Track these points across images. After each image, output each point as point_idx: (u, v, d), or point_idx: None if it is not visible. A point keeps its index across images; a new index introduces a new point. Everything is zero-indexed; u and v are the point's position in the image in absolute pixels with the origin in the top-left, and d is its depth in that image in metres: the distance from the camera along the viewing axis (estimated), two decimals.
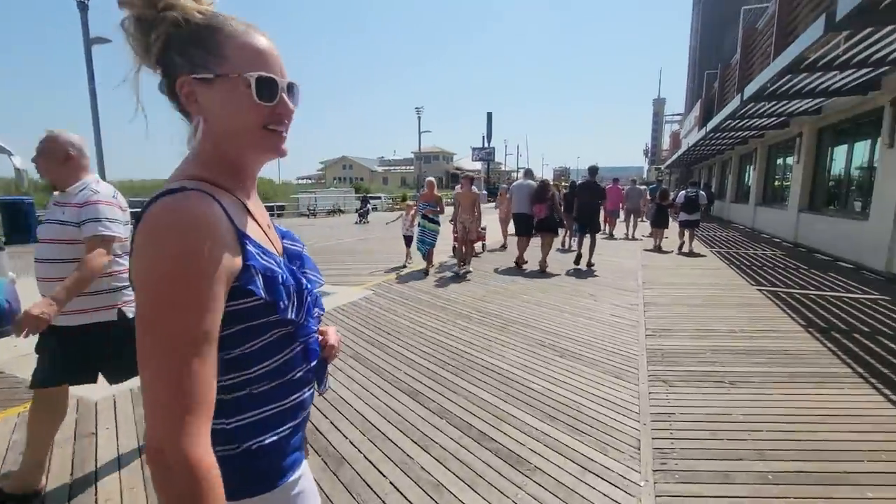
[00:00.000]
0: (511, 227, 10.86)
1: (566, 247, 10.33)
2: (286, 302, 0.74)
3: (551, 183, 8.40)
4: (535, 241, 7.91)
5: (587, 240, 7.92)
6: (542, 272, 7.40)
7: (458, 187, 7.47)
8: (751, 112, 10.09)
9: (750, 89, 8.03)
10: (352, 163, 70.68)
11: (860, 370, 3.51)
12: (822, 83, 7.57)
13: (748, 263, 8.34)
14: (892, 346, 4.04)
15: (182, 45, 0.69)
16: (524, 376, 3.41)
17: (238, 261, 0.68)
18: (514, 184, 8.05)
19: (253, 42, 0.71)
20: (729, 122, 11.22)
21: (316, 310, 0.87)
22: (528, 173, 8.38)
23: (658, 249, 10.14)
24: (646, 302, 5.51)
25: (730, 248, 10.61)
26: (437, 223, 7.39)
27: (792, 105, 9.40)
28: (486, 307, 5.31)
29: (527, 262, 7.82)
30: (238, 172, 0.76)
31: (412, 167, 68.13)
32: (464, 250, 7.38)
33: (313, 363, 0.85)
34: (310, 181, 69.79)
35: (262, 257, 0.72)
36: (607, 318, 4.83)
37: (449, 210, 8.41)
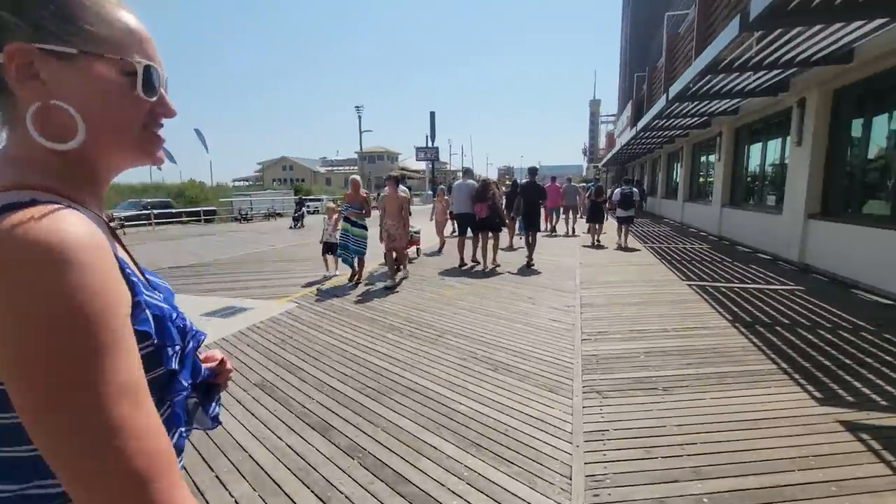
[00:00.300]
0: (448, 229, 10.81)
1: (511, 245, 10.30)
2: (175, 348, 0.61)
3: (493, 182, 8.39)
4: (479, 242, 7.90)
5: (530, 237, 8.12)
6: (487, 272, 7.34)
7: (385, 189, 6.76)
8: (676, 112, 10.51)
9: (674, 89, 8.28)
10: (292, 163, 68.00)
11: (784, 366, 3.51)
12: (738, 84, 7.94)
13: (679, 258, 8.61)
14: (810, 337, 4.15)
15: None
16: (451, 397, 3.09)
17: (128, 295, 0.53)
18: (455, 184, 8.04)
19: (127, 18, 0.58)
20: (657, 121, 11.66)
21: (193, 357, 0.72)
22: (468, 173, 8.27)
23: (595, 245, 10.36)
24: (583, 303, 5.41)
25: (661, 242, 11.00)
26: (364, 227, 6.65)
27: (712, 105, 9.86)
28: (420, 317, 4.96)
29: (478, 263, 7.75)
30: (94, 180, 0.61)
31: (356, 167, 66.77)
32: (393, 259, 6.64)
33: (182, 431, 0.67)
34: (247, 183, 66.39)
35: (146, 290, 0.59)
36: (544, 323, 4.65)
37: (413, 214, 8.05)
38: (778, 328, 4.41)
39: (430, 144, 35.73)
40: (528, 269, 7.66)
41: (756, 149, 10.49)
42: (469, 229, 7.83)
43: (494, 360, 3.71)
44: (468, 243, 8.06)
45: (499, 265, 7.78)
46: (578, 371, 3.49)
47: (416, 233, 8.35)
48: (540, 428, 2.69)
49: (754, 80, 7.64)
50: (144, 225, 18.41)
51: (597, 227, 10.66)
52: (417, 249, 8.96)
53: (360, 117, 34.49)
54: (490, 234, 7.73)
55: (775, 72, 6.93)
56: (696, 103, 9.32)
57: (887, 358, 3.62)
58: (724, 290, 6.02)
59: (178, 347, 0.62)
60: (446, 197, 10.32)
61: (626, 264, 8.10)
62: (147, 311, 0.56)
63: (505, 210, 8.24)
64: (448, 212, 10.26)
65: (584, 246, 10.48)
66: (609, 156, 27.60)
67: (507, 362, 3.67)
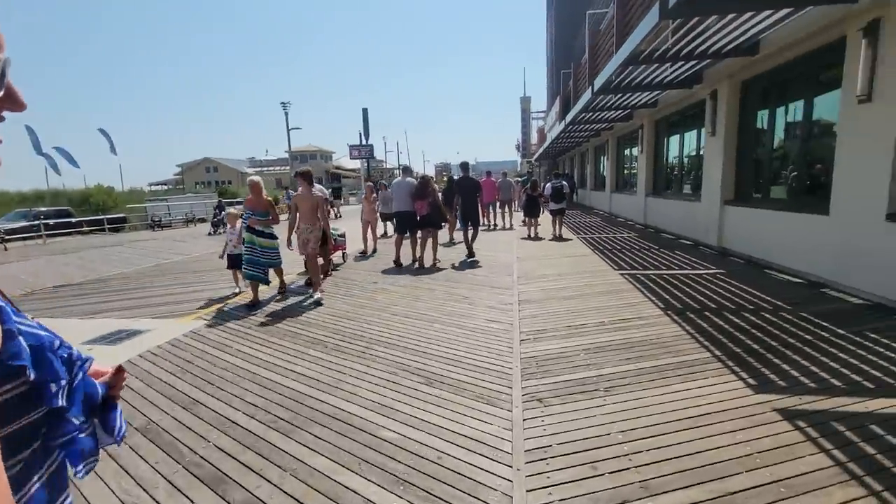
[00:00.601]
0: (380, 229, 10.34)
1: (452, 240, 10.17)
2: (61, 383, 0.55)
3: (432, 179, 8.26)
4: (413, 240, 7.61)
5: (471, 232, 8.18)
6: (422, 271, 7.16)
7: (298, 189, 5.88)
8: (601, 105, 10.76)
9: (598, 82, 8.40)
10: (216, 164, 63.51)
11: (718, 353, 3.49)
12: (657, 77, 8.21)
13: (609, 247, 8.80)
14: (737, 321, 4.22)
15: None
16: (377, 421, 2.70)
17: None
18: (394, 182, 7.75)
19: None
20: (583, 114, 11.91)
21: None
22: (407, 170, 8.08)
23: (533, 237, 10.44)
24: (520, 299, 5.22)
25: (593, 233, 11.28)
26: (272, 236, 5.62)
27: (634, 98, 10.19)
28: (347, 327, 4.50)
29: (416, 262, 7.50)
30: None
31: (288, 167, 63.84)
32: (311, 268, 5.80)
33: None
34: (166, 187, 61.23)
35: (17, 316, 0.52)
36: (481, 325, 4.38)
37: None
38: (707, 314, 4.46)
39: (363, 142, 34.64)
40: (467, 265, 7.56)
41: (675, 140, 11.03)
42: (409, 228, 7.60)
43: (428, 372, 3.36)
44: (406, 243, 7.75)
45: (440, 261, 7.65)
46: (518, 377, 3.23)
47: (340, 236, 7.82)
48: (477, 451, 2.38)
49: (671, 73, 7.92)
50: (34, 238, 16.07)
51: (533, 220, 10.78)
52: (344, 254, 8.35)
53: (286, 113, 32.69)
54: (430, 232, 7.55)
55: (690, 63, 7.18)
56: (619, 96, 9.56)
57: (807, 337, 3.73)
58: (654, 277, 6.12)
59: (63, 382, 0.56)
60: (374, 195, 9.88)
61: (560, 256, 8.12)
62: (20, 341, 0.49)
63: (445, 206, 8.01)
64: (378, 212, 9.93)
65: (522, 238, 10.55)
66: (540, 150, 28.31)
67: (441, 373, 3.34)
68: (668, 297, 5.13)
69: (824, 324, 4.00)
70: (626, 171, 15.85)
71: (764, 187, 7.15)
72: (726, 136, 7.62)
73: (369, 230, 9.63)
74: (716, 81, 7.80)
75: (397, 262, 7.64)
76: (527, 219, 10.93)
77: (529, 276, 6.55)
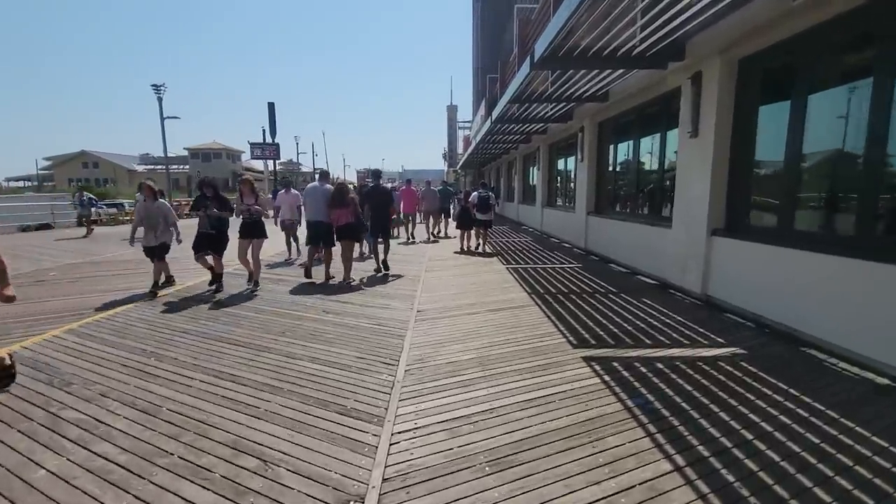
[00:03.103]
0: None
1: (362, 254, 9.64)
2: None
3: (351, 185, 8.15)
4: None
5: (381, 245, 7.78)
6: (341, 287, 6.57)
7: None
8: (512, 115, 10.94)
9: (495, 113, 10.09)
10: (97, 160, 56.21)
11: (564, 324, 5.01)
12: (542, 112, 10.13)
13: (512, 249, 10.45)
14: (581, 302, 5.87)
15: None
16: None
17: None
18: (308, 187, 7.17)
19: None
20: (500, 126, 12.30)
21: None
22: (324, 176, 7.44)
23: (466, 251, 10.21)
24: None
25: (503, 237, 12.98)
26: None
27: (530, 126, 12.15)
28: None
29: (333, 278, 6.91)
30: None
31: (188, 166, 59.03)
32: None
33: None
34: (28, 184, 53.16)
35: None
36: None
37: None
38: (560, 297, 6.08)
39: (268, 140, 32.80)
40: (378, 280, 7.10)
41: (562, 162, 13.26)
42: (322, 240, 6.97)
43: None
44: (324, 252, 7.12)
45: (353, 280, 6.94)
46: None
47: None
48: None
49: (552, 110, 9.87)
50: None
51: (466, 233, 10.39)
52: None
53: (160, 99, 26.32)
54: (350, 244, 6.93)
55: (562, 104, 9.11)
56: (516, 125, 11.25)
57: (623, 312, 5.44)
58: (531, 270, 7.76)
59: None
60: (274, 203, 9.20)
61: (474, 273, 8.86)
62: None
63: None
64: (280, 221, 8.98)
65: (456, 252, 10.21)
66: (465, 156, 28.67)
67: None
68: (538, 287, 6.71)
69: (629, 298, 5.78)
70: (531, 184, 18.13)
71: (613, 203, 9.29)
72: (589, 162, 9.70)
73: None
74: (582, 119, 9.89)
75: (308, 273, 7.00)
76: (461, 232, 10.55)
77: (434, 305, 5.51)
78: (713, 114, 5.22)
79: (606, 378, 3.33)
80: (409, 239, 12.43)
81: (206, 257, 6.36)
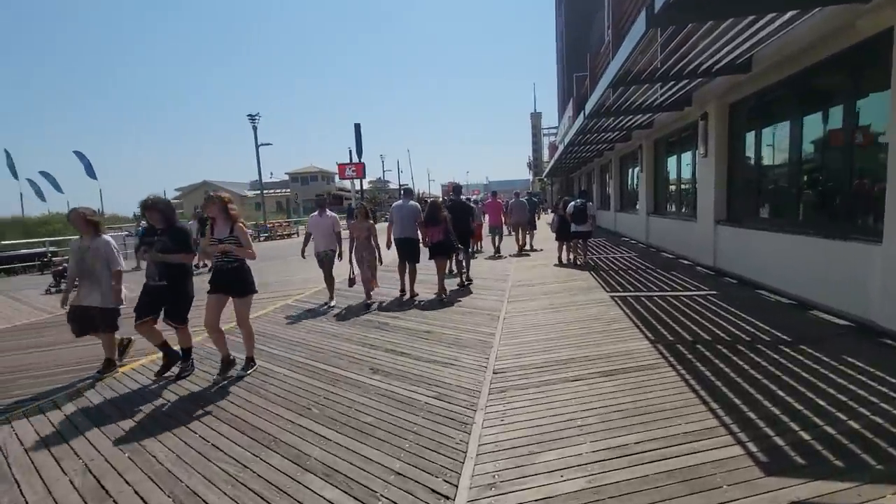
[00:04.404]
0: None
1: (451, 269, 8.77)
2: None
3: (438, 201, 7.71)
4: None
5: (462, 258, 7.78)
6: (440, 301, 6.58)
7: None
8: (609, 107, 9.02)
9: (588, 106, 8.35)
10: (217, 188, 63.60)
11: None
12: (647, 99, 8.17)
13: (613, 268, 8.57)
14: (740, 362, 3.97)
15: None
16: None
17: None
18: (395, 205, 7.05)
19: None
20: (592, 121, 10.13)
21: None
22: (408, 193, 7.45)
23: (568, 263, 9.49)
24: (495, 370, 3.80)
25: (600, 253, 11.06)
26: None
27: (631, 119, 10.14)
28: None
29: (417, 295, 6.92)
30: None
31: (289, 189, 64.14)
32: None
33: None
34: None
35: None
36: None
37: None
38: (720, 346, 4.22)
39: (355, 160, 33.60)
40: (459, 293, 7.07)
41: (671, 160, 10.97)
42: (410, 257, 6.88)
43: None
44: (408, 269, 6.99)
45: (445, 294, 6.79)
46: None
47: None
48: None
49: (661, 95, 7.88)
50: None
51: (567, 244, 9.72)
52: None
53: (255, 128, 28.22)
54: (442, 260, 6.88)
55: (678, 85, 7.12)
56: (624, 105, 8.87)
57: (822, 385, 3.48)
58: (644, 299, 5.90)
59: None
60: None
61: (567, 292, 7.70)
62: None
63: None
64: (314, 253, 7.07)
65: (555, 265, 9.48)
66: (552, 163, 26.85)
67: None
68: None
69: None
70: (629, 189, 15.78)
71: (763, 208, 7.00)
72: (718, 157, 7.51)
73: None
74: (704, 103, 7.74)
75: (403, 290, 7.01)
76: (559, 243, 9.89)
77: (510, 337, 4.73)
78: None
79: None
80: (495, 253, 11.50)
81: (154, 326, 4.07)
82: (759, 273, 6.39)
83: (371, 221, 6.77)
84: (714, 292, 6.26)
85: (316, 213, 6.81)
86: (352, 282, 6.80)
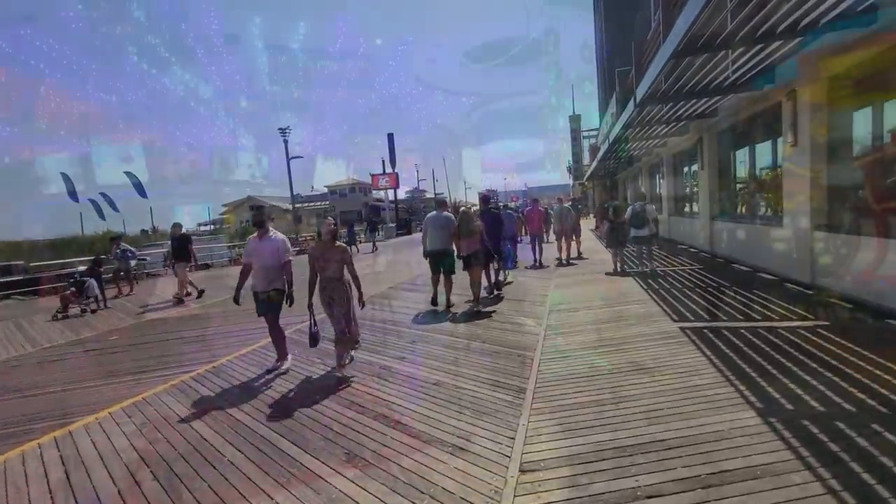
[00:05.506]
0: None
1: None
2: None
3: (471, 211, 7.34)
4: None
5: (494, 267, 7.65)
6: (476, 313, 6.40)
7: None
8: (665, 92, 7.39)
9: (640, 91, 6.92)
10: (260, 203, 65.87)
11: None
12: (717, 77, 6.65)
13: (674, 285, 7.04)
14: None
15: None
16: None
17: None
18: (429, 216, 7.01)
19: None
20: (645, 108, 8.38)
21: None
22: (442, 204, 7.30)
23: (621, 273, 8.73)
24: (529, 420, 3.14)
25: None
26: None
27: (692, 105, 8.53)
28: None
29: (453, 305, 6.83)
30: None
31: (328, 202, 65.19)
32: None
33: None
34: (210, 227, 63.69)
35: None
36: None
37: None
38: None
39: (388, 170, 33.50)
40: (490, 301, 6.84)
41: (741, 153, 9.23)
42: (444, 268, 6.80)
43: None
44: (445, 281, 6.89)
45: (480, 305, 6.64)
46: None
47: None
48: None
49: (734, 72, 6.33)
50: None
51: (619, 251, 9.06)
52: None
53: (285, 141, 27.84)
54: (476, 269, 6.72)
55: (762, 54, 5.59)
56: (686, 87, 7.25)
57: None
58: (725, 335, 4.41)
59: None
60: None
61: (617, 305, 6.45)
62: None
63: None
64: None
65: (608, 273, 8.86)
66: (593, 165, 24.67)
67: None
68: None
69: None
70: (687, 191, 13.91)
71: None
72: (813, 147, 5.86)
73: None
74: (791, 80, 6.11)
75: (435, 302, 6.90)
76: (612, 251, 9.25)
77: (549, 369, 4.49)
78: None
79: None
80: (535, 262, 10.72)
81: None
82: (884, 296, 4.74)
83: (343, 245, 4.32)
84: (823, 323, 4.68)
85: (255, 235, 4.58)
86: (314, 339, 4.42)
